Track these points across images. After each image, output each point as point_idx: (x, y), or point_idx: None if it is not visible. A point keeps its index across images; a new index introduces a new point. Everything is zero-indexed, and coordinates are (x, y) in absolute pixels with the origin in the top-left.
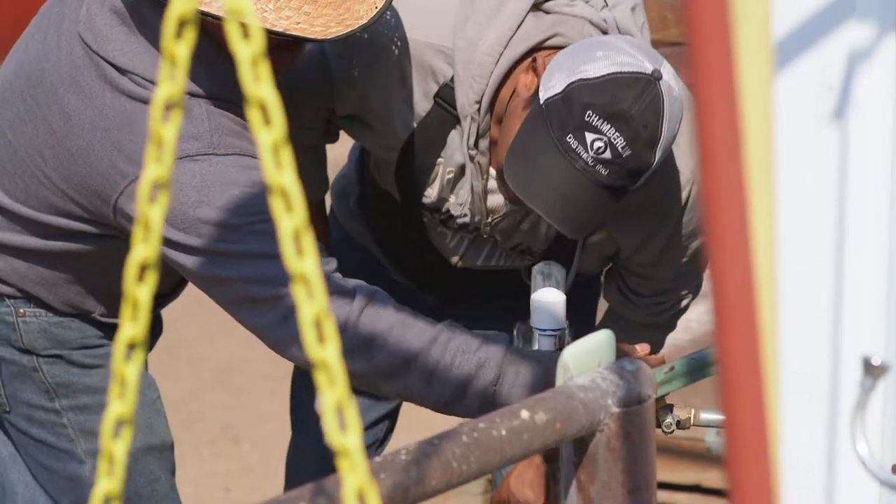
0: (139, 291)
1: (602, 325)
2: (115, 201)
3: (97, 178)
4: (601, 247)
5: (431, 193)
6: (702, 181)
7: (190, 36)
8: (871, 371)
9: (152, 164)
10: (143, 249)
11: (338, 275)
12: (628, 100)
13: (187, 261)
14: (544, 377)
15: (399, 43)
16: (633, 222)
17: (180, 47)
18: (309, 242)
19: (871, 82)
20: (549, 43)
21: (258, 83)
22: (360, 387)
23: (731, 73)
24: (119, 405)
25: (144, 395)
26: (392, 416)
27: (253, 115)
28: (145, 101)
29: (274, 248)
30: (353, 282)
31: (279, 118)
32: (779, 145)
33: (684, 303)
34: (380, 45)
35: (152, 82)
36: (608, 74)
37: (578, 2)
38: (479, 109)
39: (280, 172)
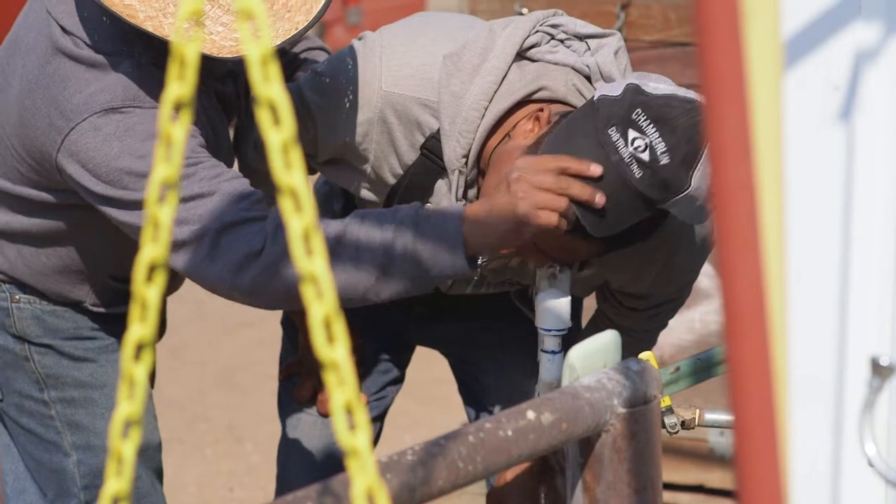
0: (147, 292)
1: (591, 326)
2: (55, 159)
3: (41, 138)
4: (591, 279)
5: None
6: (712, 181)
7: (200, 36)
8: (879, 371)
9: (161, 165)
10: (152, 250)
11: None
12: (678, 109)
13: (117, 213)
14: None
15: (385, 97)
16: (621, 262)
17: (190, 48)
18: (318, 243)
19: (876, 83)
20: (534, 97)
21: (268, 83)
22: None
23: (740, 73)
24: (128, 405)
25: None
26: (381, 419)
27: (262, 115)
28: (81, 61)
29: (191, 191)
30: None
31: (288, 118)
32: (785, 146)
33: (681, 308)
34: (366, 98)
35: (89, 46)
36: (668, 94)
37: (561, 47)
38: (466, 163)
39: (289, 173)
